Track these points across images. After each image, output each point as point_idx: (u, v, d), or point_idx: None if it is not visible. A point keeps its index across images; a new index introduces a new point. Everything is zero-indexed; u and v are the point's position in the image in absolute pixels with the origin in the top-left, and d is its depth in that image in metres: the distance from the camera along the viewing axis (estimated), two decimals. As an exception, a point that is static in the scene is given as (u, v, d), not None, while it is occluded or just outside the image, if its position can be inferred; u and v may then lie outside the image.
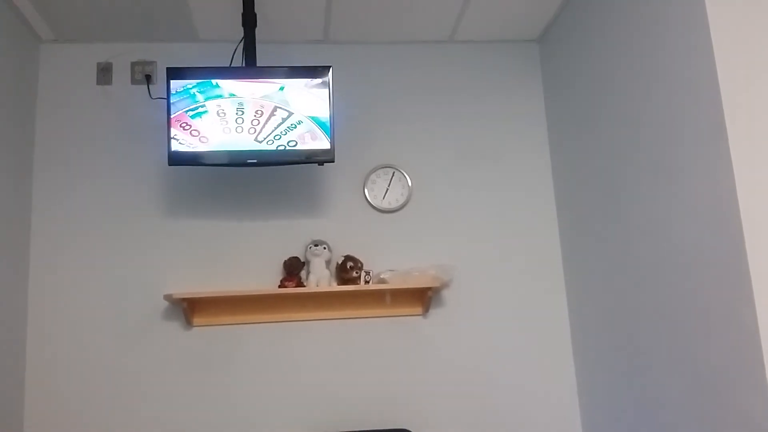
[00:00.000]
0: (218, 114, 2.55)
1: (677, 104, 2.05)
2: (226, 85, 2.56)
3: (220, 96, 2.56)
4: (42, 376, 2.70)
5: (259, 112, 2.55)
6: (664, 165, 2.13)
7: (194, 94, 2.55)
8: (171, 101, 2.55)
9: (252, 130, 2.55)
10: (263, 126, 2.55)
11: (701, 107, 1.92)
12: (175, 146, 2.54)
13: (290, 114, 2.56)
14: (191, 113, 2.54)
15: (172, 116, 2.55)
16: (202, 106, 2.55)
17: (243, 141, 2.55)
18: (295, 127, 2.56)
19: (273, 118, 2.56)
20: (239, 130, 2.55)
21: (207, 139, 2.55)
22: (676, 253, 2.08)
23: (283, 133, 2.56)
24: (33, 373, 2.70)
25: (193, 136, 2.54)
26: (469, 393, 2.84)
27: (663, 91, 2.13)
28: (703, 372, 1.96)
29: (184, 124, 2.54)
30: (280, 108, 2.56)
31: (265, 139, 2.55)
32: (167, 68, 2.59)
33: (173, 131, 2.54)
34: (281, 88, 2.58)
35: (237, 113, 2.55)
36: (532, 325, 2.93)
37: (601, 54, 2.56)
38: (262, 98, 2.57)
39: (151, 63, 2.96)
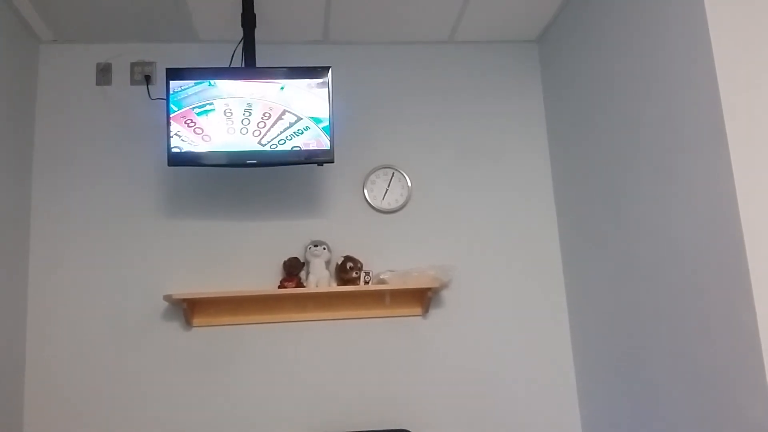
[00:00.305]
0: (225, 114, 2.55)
1: (676, 105, 2.05)
2: (226, 85, 2.56)
3: (219, 96, 2.55)
4: (42, 376, 2.70)
5: (267, 115, 2.54)
6: (663, 166, 2.14)
7: (192, 95, 2.55)
8: (178, 97, 2.55)
9: (257, 132, 2.55)
10: (269, 129, 2.55)
11: (700, 108, 1.92)
12: (177, 142, 2.53)
13: (298, 119, 2.56)
14: (198, 110, 2.54)
15: (177, 112, 2.54)
16: (210, 104, 2.54)
17: (245, 142, 2.55)
18: (302, 132, 2.56)
19: (280, 121, 2.55)
20: (244, 131, 2.54)
21: (210, 138, 2.54)
22: (675, 254, 2.09)
23: (288, 138, 2.55)
24: (33, 374, 2.69)
25: (197, 134, 2.54)
26: (468, 394, 2.84)
27: (662, 91, 2.13)
28: (703, 373, 1.96)
29: (189, 121, 2.54)
30: (289, 112, 2.55)
31: (269, 142, 2.55)
32: (167, 69, 2.59)
33: (176, 127, 2.53)
34: (282, 88, 2.58)
35: (244, 114, 2.55)
36: (532, 326, 2.93)
37: (600, 54, 2.57)
38: (261, 99, 2.56)
39: (151, 63, 2.96)
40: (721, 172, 1.84)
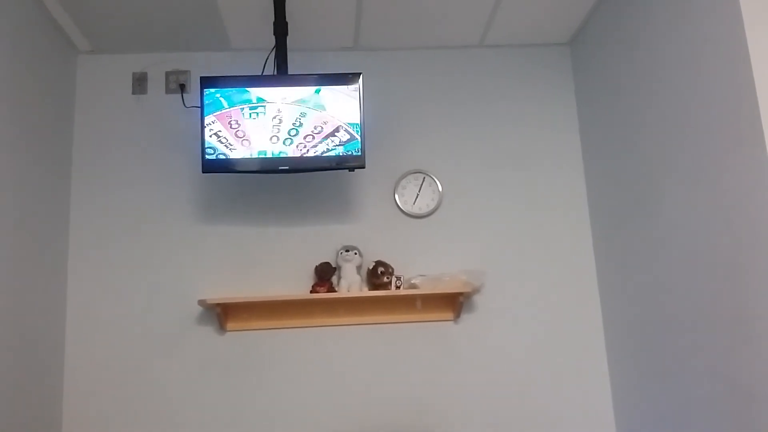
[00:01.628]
0: (274, 119, 2.54)
1: (712, 108, 2.01)
2: (259, 91, 2.58)
3: (272, 101, 2.56)
4: (79, 379, 2.75)
5: (318, 128, 2.53)
6: (700, 170, 2.10)
7: (218, 99, 2.57)
8: (228, 93, 2.57)
9: (302, 146, 2.54)
10: (317, 143, 2.54)
11: (738, 110, 1.89)
12: (213, 142, 2.54)
13: (352, 139, 2.55)
14: (249, 111, 2.55)
15: (223, 110, 2.56)
16: (262, 107, 2.55)
17: (283, 151, 2.56)
18: (350, 152, 2.56)
19: (332, 138, 2.54)
20: (288, 142, 2.53)
21: (249, 142, 2.56)
22: (712, 259, 2.05)
23: (337, 154, 2.56)
24: (71, 376, 2.75)
25: (238, 137, 2.54)
26: (500, 399, 2.82)
27: (698, 94, 2.09)
28: (740, 379, 1.92)
29: (234, 122, 2.55)
30: (344, 129, 2.54)
31: (314, 156, 2.56)
32: (201, 77, 2.63)
33: (218, 126, 2.55)
34: (317, 92, 2.59)
35: (294, 124, 2.53)
36: (565, 332, 2.90)
37: (634, 57, 2.54)
38: (295, 103, 2.57)
39: (185, 72, 3.01)
40: (760, 176, 1.80)
